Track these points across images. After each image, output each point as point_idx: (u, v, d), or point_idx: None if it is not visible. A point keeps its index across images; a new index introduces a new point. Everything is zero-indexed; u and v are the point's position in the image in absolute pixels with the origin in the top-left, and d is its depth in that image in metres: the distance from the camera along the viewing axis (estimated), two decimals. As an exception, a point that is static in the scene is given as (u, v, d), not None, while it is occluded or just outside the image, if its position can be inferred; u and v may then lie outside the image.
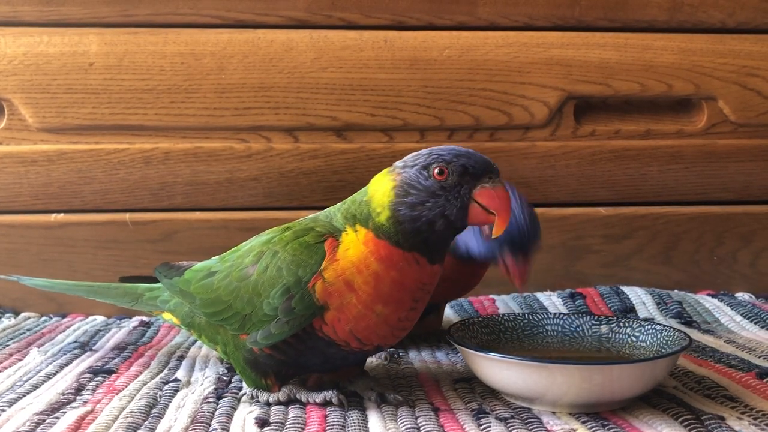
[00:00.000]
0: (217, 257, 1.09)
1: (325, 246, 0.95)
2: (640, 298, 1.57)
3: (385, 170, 0.98)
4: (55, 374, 1.13)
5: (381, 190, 0.95)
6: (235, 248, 1.07)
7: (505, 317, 1.15)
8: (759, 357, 1.21)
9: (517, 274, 1.14)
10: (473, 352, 0.98)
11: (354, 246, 0.94)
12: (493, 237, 0.94)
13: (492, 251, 1.16)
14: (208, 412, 0.96)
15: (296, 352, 0.97)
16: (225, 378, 1.11)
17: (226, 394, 1.03)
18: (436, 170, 0.92)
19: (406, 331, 1.00)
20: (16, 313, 1.56)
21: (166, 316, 1.17)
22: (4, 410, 0.96)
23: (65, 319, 1.54)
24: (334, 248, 0.94)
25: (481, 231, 1.17)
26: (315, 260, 0.94)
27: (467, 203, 0.93)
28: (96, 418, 0.94)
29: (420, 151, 0.96)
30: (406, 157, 0.97)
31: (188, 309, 1.10)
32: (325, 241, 0.95)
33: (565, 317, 1.15)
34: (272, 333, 0.96)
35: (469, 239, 1.19)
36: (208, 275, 1.05)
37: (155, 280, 1.20)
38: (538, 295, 1.61)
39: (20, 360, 1.22)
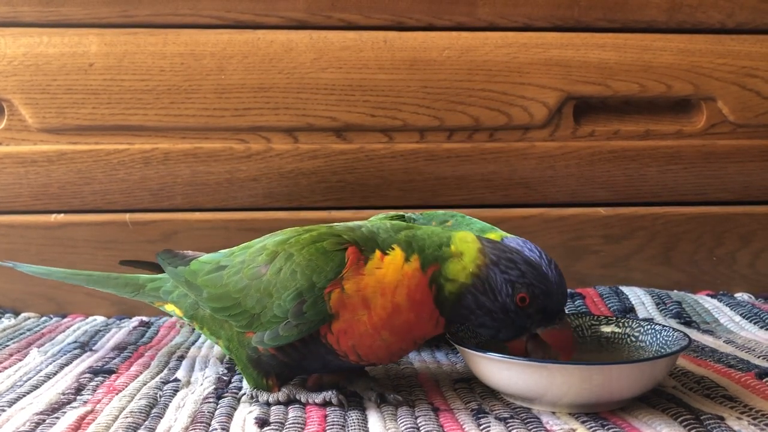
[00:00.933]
0: (225, 250, 1.08)
1: (346, 255, 0.94)
2: (639, 298, 1.57)
3: (476, 241, 0.95)
4: (55, 374, 1.13)
5: (464, 263, 0.93)
6: (245, 244, 1.06)
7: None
8: (758, 357, 1.21)
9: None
10: (473, 352, 0.98)
11: (394, 269, 0.93)
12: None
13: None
14: (208, 412, 0.96)
15: (299, 356, 0.97)
16: (225, 378, 1.11)
17: (226, 394, 1.03)
18: (520, 297, 0.92)
19: (403, 356, 1.02)
20: (16, 314, 1.56)
21: (169, 307, 1.16)
22: (4, 410, 0.96)
23: (65, 320, 1.54)
24: (359, 260, 0.93)
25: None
26: (331, 267, 0.93)
27: (524, 334, 0.95)
28: (96, 418, 0.94)
29: (515, 260, 0.93)
30: (500, 249, 0.94)
31: (192, 300, 1.09)
32: (346, 249, 0.94)
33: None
34: (280, 335, 0.95)
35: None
36: (217, 269, 1.04)
37: (156, 267, 1.19)
38: (538, 295, 1.61)
39: (20, 360, 1.22)
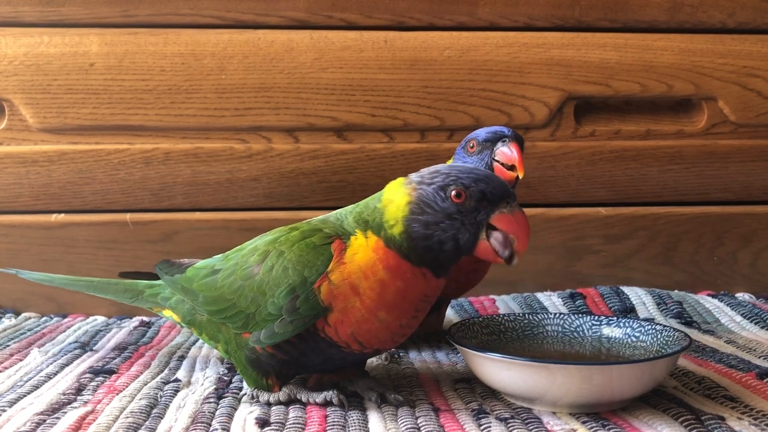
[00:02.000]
0: (219, 255, 1.09)
1: (332, 248, 0.95)
2: (640, 298, 1.57)
3: (401, 180, 0.97)
4: (55, 374, 1.13)
5: (396, 203, 0.94)
6: (238, 247, 1.07)
7: (505, 317, 1.15)
8: (759, 357, 1.21)
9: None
10: (473, 352, 0.98)
11: (363, 251, 0.94)
12: (513, 263, 0.92)
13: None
14: (209, 412, 0.96)
15: (298, 352, 0.98)
16: (225, 378, 1.11)
17: (226, 394, 1.03)
18: (454, 193, 0.91)
19: (406, 336, 1.00)
20: (17, 314, 1.57)
21: (167, 313, 1.17)
22: (4, 410, 0.96)
23: (66, 320, 1.54)
24: (342, 251, 0.94)
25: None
26: (321, 261, 0.94)
27: (480, 230, 0.92)
28: (96, 418, 0.94)
29: (438, 168, 0.95)
30: (422, 171, 0.96)
31: (189, 306, 1.11)
32: (332, 242, 0.95)
33: (565, 317, 1.15)
34: (276, 332, 0.96)
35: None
36: (211, 273, 1.05)
37: (155, 277, 1.20)
38: (539, 295, 1.61)
39: (21, 360, 1.22)
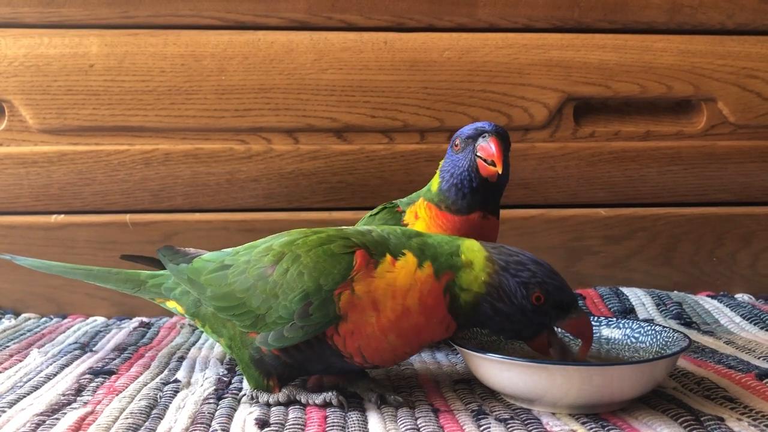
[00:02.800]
0: (229, 249, 1.08)
1: (354, 257, 0.94)
2: (639, 299, 1.57)
3: (482, 247, 0.97)
4: (55, 375, 1.13)
5: (475, 274, 0.94)
6: (249, 244, 1.06)
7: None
8: (758, 358, 1.21)
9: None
10: (473, 353, 0.98)
11: (406, 273, 0.94)
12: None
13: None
14: (209, 413, 0.96)
15: (303, 357, 0.97)
16: (225, 379, 1.11)
17: (226, 395, 1.03)
18: (535, 296, 0.93)
19: (406, 359, 1.02)
20: (17, 314, 1.57)
21: (170, 304, 1.15)
22: (4, 411, 0.96)
23: (65, 320, 1.54)
24: (369, 263, 0.94)
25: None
26: (338, 270, 0.93)
27: (544, 331, 0.96)
28: (96, 419, 0.94)
29: (523, 260, 0.95)
30: (507, 254, 0.96)
31: (194, 298, 1.09)
32: (353, 252, 0.94)
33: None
34: (285, 336, 0.95)
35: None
36: (221, 267, 1.03)
37: (157, 262, 1.19)
38: (538, 296, 1.61)
39: (20, 361, 1.22)
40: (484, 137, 1.16)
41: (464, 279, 0.94)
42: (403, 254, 0.95)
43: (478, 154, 1.16)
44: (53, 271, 1.27)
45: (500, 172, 1.14)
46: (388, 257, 0.95)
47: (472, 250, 0.96)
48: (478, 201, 1.19)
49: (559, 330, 0.98)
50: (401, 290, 0.93)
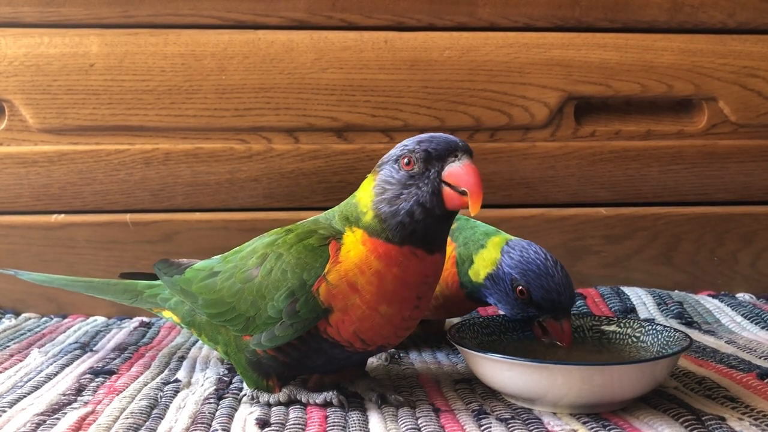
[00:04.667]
0: (218, 256, 1.09)
1: (329, 249, 0.95)
2: (640, 298, 1.57)
3: (372, 170, 0.99)
4: (55, 375, 1.13)
5: (365, 191, 0.96)
6: (237, 248, 1.07)
7: (505, 318, 1.15)
8: (760, 358, 1.21)
9: (565, 338, 1.07)
10: (474, 352, 0.98)
11: (354, 247, 0.94)
12: (472, 215, 0.91)
13: (529, 317, 1.10)
14: (209, 412, 0.96)
15: (300, 354, 0.97)
16: (226, 379, 1.11)
17: (226, 395, 1.03)
18: (404, 161, 0.93)
19: (410, 330, 1.00)
20: (17, 314, 1.57)
21: (166, 314, 1.17)
22: (4, 411, 0.96)
23: (66, 320, 1.54)
24: (337, 251, 0.94)
25: (513, 300, 1.10)
26: (320, 263, 0.94)
27: (438, 187, 0.92)
28: (96, 418, 0.94)
29: (396, 146, 0.97)
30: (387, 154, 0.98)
31: (189, 307, 1.10)
32: (329, 243, 0.95)
33: (565, 318, 1.15)
34: (276, 335, 0.95)
35: (502, 304, 1.14)
36: (210, 275, 1.05)
37: (155, 277, 1.20)
38: (539, 295, 1.61)
39: (21, 361, 1.22)
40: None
41: (362, 206, 0.95)
42: (344, 231, 0.96)
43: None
44: (55, 285, 1.30)
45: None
46: (344, 238, 0.95)
47: (365, 180, 0.98)
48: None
49: (450, 184, 0.91)
50: (362, 261, 0.93)
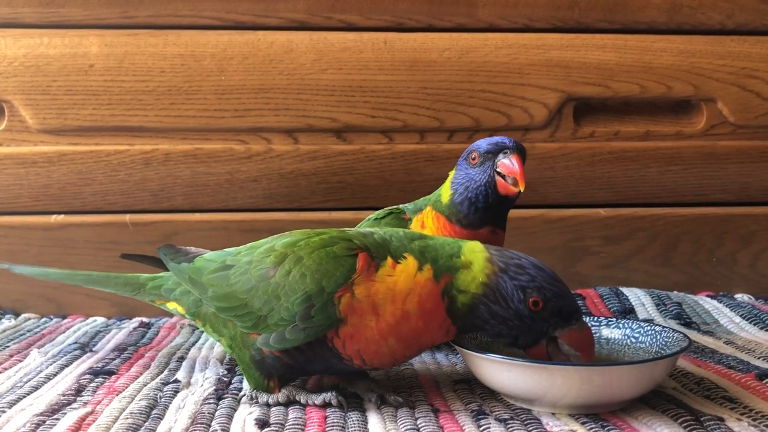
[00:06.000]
0: (231, 249, 1.07)
1: (357, 260, 0.94)
2: (639, 299, 1.57)
3: (484, 249, 0.96)
4: (55, 375, 1.13)
5: (473, 274, 0.93)
6: (251, 244, 1.05)
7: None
8: (758, 358, 1.21)
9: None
10: (473, 353, 0.98)
11: (406, 277, 0.93)
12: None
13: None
14: (208, 413, 0.96)
15: (304, 359, 0.97)
16: (225, 379, 1.11)
17: (226, 395, 1.03)
18: (532, 301, 0.92)
19: (406, 361, 1.02)
20: (17, 314, 1.57)
21: (171, 305, 1.15)
22: (4, 411, 0.96)
23: (65, 320, 1.54)
24: (370, 267, 0.94)
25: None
26: (341, 273, 0.93)
27: (542, 339, 0.93)
28: (96, 419, 0.94)
29: (524, 264, 0.94)
30: (507, 257, 0.94)
31: (195, 298, 1.09)
32: (356, 255, 0.94)
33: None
34: (286, 338, 0.95)
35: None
36: (223, 268, 1.03)
37: (157, 261, 1.19)
38: (538, 296, 1.61)
39: (20, 361, 1.22)
40: (505, 153, 1.15)
41: (462, 280, 0.93)
42: (404, 257, 0.94)
43: (499, 170, 1.15)
44: (52, 278, 1.29)
45: (522, 191, 1.14)
46: (389, 260, 0.94)
47: (474, 251, 0.96)
48: (491, 216, 1.19)
49: (568, 344, 0.93)
50: (401, 294, 0.92)
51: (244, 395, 1.02)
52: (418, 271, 0.94)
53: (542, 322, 0.93)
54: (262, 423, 0.92)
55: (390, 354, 0.95)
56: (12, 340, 1.36)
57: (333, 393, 0.98)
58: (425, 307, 0.93)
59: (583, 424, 0.91)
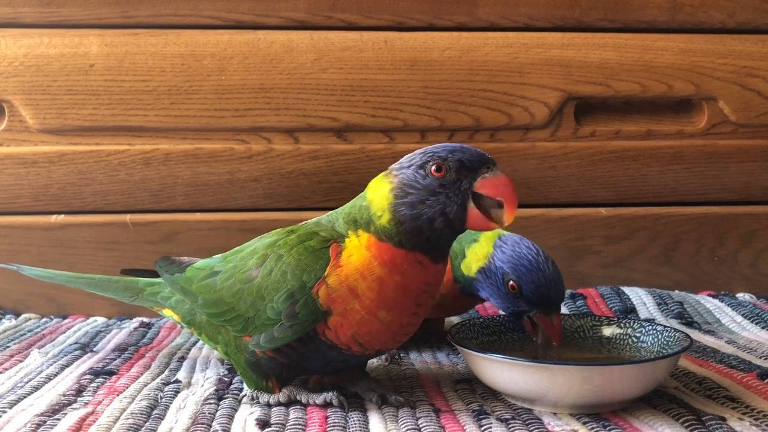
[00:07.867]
0: (219, 255, 1.09)
1: (329, 251, 0.94)
2: (640, 298, 1.57)
3: (381, 174, 0.98)
4: (55, 375, 1.13)
5: (380, 194, 0.95)
6: (237, 248, 1.07)
7: (506, 318, 1.15)
8: (760, 358, 1.21)
9: (555, 333, 1.08)
10: (474, 353, 0.98)
11: (357, 251, 0.94)
12: (505, 224, 0.92)
13: (520, 311, 1.11)
14: (209, 413, 0.96)
15: (299, 356, 0.97)
16: (226, 379, 1.11)
17: (226, 396, 1.03)
18: (434, 167, 0.92)
19: (408, 336, 0.99)
20: (17, 315, 1.56)
21: (167, 312, 1.17)
22: (5, 411, 0.96)
23: (66, 321, 1.54)
24: (338, 254, 0.94)
25: (504, 294, 1.12)
26: (320, 266, 0.94)
27: (467, 199, 0.92)
28: (97, 419, 0.94)
29: (414, 152, 0.96)
30: (401, 159, 0.97)
31: (189, 306, 1.10)
32: (330, 246, 0.95)
33: (566, 318, 1.15)
34: (275, 337, 0.95)
35: (494, 298, 1.15)
36: (210, 275, 1.05)
37: (156, 275, 1.20)
38: (539, 295, 1.61)
39: (21, 361, 1.22)
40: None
41: (375, 208, 0.94)
42: (347, 235, 0.95)
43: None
44: (57, 281, 1.30)
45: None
46: (346, 242, 0.95)
47: (374, 182, 0.97)
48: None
49: (485, 194, 0.91)
50: (364, 267, 0.92)
51: (245, 395, 1.02)
52: (357, 239, 0.94)
53: (455, 184, 0.91)
54: (263, 423, 0.92)
55: (386, 329, 0.94)
56: (12, 340, 1.36)
57: (334, 393, 0.98)
58: (386, 261, 0.92)
59: (584, 423, 0.91)
